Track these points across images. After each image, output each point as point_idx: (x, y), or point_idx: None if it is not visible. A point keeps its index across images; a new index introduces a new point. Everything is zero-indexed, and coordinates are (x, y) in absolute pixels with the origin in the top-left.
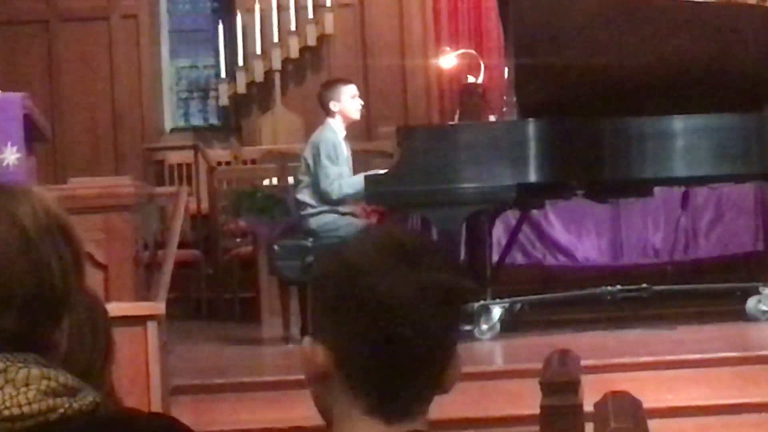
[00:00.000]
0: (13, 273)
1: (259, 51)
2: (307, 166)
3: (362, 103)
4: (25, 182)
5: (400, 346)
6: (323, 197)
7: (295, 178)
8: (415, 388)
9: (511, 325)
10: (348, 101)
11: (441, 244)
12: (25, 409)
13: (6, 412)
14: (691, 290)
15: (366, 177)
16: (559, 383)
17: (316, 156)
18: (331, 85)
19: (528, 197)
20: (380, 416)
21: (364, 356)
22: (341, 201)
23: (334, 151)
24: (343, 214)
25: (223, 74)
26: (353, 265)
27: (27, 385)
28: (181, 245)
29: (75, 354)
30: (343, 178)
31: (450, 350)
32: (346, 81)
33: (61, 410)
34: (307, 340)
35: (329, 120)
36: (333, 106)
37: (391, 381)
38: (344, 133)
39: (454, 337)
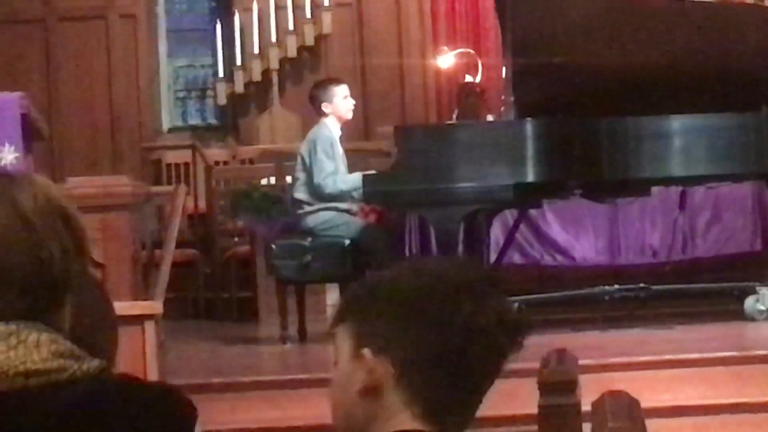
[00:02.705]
0: (12, 254)
1: (256, 50)
2: (304, 163)
3: (354, 102)
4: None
5: (470, 365)
6: (317, 191)
7: (292, 177)
8: (471, 406)
9: None
10: (340, 102)
11: (439, 243)
12: (39, 365)
13: (21, 368)
14: (689, 290)
15: (364, 176)
16: (557, 383)
17: (313, 152)
18: (322, 86)
19: (526, 197)
20: (433, 422)
21: (432, 371)
22: (334, 197)
23: (331, 148)
24: (341, 211)
25: (220, 74)
26: (436, 285)
27: (38, 346)
28: (179, 245)
29: (80, 338)
30: (339, 174)
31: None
32: (338, 81)
33: (71, 371)
34: (367, 351)
35: (324, 119)
36: (325, 107)
37: (462, 405)
38: (340, 132)
39: (504, 364)
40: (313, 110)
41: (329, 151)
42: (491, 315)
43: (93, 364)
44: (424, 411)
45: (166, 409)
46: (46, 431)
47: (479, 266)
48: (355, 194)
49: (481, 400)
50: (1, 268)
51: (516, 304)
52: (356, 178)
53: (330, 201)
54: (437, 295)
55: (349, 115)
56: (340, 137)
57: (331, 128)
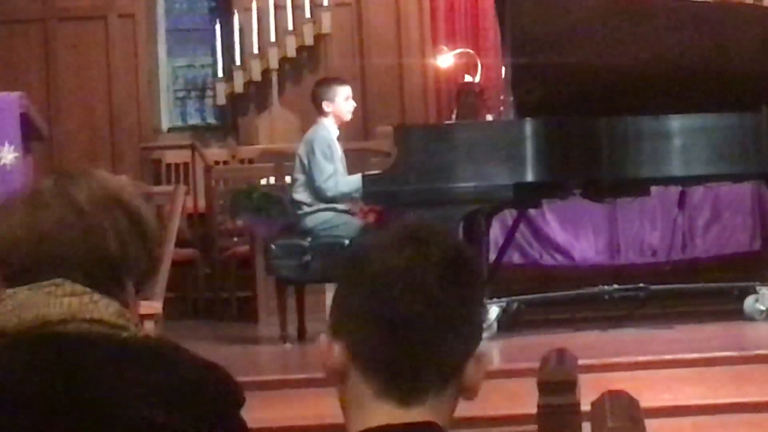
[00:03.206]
0: (67, 243)
1: (256, 50)
2: (302, 164)
3: (355, 105)
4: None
5: (402, 321)
6: (318, 194)
7: (291, 178)
8: (424, 370)
9: (508, 325)
10: (341, 102)
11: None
12: (107, 317)
13: (97, 315)
14: (689, 290)
15: (363, 176)
16: (557, 383)
17: (311, 154)
18: (325, 84)
19: (525, 196)
20: (390, 398)
21: (371, 338)
22: (336, 199)
23: (329, 149)
24: (340, 212)
25: (220, 73)
26: (357, 251)
27: (107, 307)
28: (178, 244)
29: None
30: (339, 175)
31: (465, 337)
32: (342, 82)
33: (133, 332)
34: (323, 337)
35: (322, 119)
36: (326, 106)
37: (397, 360)
38: (337, 132)
39: (467, 319)
40: (314, 107)
41: (327, 153)
42: (404, 260)
43: (149, 333)
44: (380, 383)
45: (215, 386)
46: (102, 370)
47: (415, 221)
48: (356, 195)
49: (445, 371)
50: (61, 255)
51: (516, 304)
52: (357, 179)
53: (331, 203)
54: (355, 259)
55: (348, 117)
56: (338, 137)
57: (328, 129)
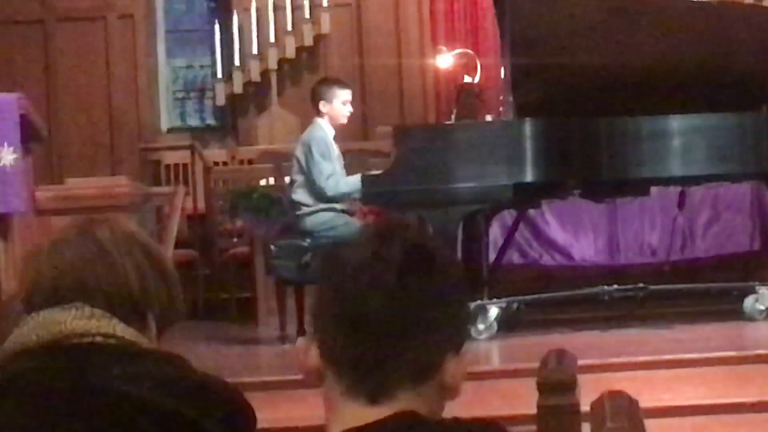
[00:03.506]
0: (91, 277)
1: (255, 51)
2: (300, 165)
3: (351, 110)
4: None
5: (363, 318)
6: (318, 194)
7: (290, 179)
8: (390, 368)
9: (508, 325)
10: (338, 106)
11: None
12: (124, 334)
13: (111, 332)
14: (688, 290)
15: (363, 176)
16: (556, 383)
17: (308, 154)
18: (327, 84)
19: (525, 197)
20: (357, 396)
21: (337, 337)
22: (336, 198)
23: (327, 148)
24: (340, 212)
25: (219, 74)
26: (331, 252)
27: (125, 330)
28: (178, 245)
29: None
30: (338, 175)
31: (439, 336)
32: (343, 85)
33: (144, 345)
34: (300, 340)
35: (318, 119)
36: (322, 106)
37: (361, 358)
38: (333, 132)
39: (437, 317)
40: (311, 105)
41: (325, 153)
42: (368, 256)
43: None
44: (348, 382)
45: (231, 405)
46: (113, 366)
47: (392, 219)
48: (356, 195)
49: (415, 366)
50: (83, 287)
51: (515, 304)
52: (357, 180)
53: (331, 203)
54: (328, 260)
55: (344, 121)
56: (335, 137)
57: (324, 128)
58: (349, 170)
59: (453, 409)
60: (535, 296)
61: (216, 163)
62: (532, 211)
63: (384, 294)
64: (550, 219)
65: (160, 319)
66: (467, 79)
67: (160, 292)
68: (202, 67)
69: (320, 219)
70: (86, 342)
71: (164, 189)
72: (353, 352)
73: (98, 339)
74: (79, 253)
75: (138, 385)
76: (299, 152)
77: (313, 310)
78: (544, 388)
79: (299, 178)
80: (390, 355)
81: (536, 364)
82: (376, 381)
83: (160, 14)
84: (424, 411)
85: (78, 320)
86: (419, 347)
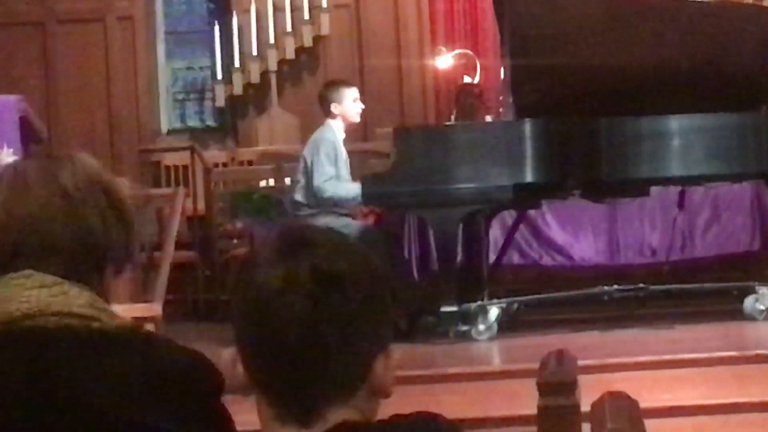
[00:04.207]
0: (54, 226)
1: (255, 52)
2: (306, 165)
3: (363, 107)
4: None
5: (279, 349)
6: (315, 194)
7: (291, 179)
8: (316, 393)
9: (508, 326)
10: (350, 104)
11: (438, 244)
12: (76, 309)
13: (65, 308)
14: (688, 290)
15: (363, 178)
16: (556, 383)
17: (315, 154)
18: (333, 86)
19: (524, 197)
20: (289, 422)
21: (256, 363)
22: (331, 201)
23: (334, 151)
24: (340, 215)
25: (219, 75)
26: (242, 264)
27: (78, 297)
28: (178, 247)
29: None
30: (340, 179)
31: (361, 347)
32: (349, 83)
33: (104, 322)
34: (225, 353)
35: (330, 121)
36: (334, 108)
37: (284, 388)
38: (344, 135)
39: (357, 331)
40: (321, 110)
41: (331, 155)
42: (277, 274)
43: (124, 321)
44: (276, 409)
45: (192, 374)
46: (73, 364)
47: (300, 228)
48: (352, 202)
49: (338, 383)
50: (45, 238)
51: (515, 305)
52: (356, 188)
53: (326, 204)
54: (240, 274)
55: (357, 119)
56: (343, 140)
57: (334, 131)
58: (352, 172)
59: (454, 410)
60: (535, 297)
61: (216, 165)
62: (532, 212)
63: (298, 323)
64: (550, 219)
65: (117, 264)
66: (467, 79)
67: (120, 237)
68: (201, 68)
69: (320, 221)
70: (38, 330)
71: (164, 190)
72: (276, 380)
73: (51, 320)
74: (42, 203)
75: (101, 389)
76: (307, 152)
77: (232, 325)
78: (544, 388)
79: (302, 180)
80: (314, 379)
81: (536, 365)
82: (304, 405)
83: (159, 16)
84: (357, 414)
85: (27, 295)
86: (342, 366)
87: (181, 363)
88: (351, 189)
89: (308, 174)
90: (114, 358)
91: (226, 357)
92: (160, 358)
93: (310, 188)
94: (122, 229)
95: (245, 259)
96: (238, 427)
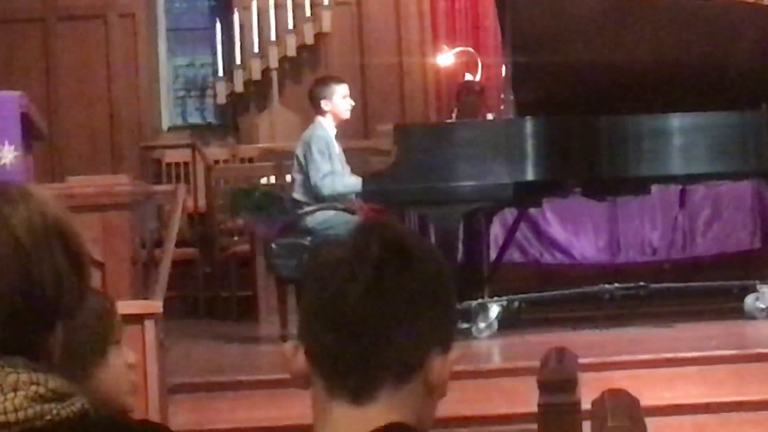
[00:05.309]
0: (1, 282)
1: (256, 49)
2: (300, 164)
3: (353, 103)
4: (23, 181)
5: (341, 315)
6: (314, 192)
7: (291, 177)
8: (372, 365)
9: (508, 324)
10: (339, 101)
11: (439, 242)
12: (11, 416)
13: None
14: (689, 288)
15: (364, 177)
16: (557, 381)
17: (308, 152)
18: (323, 82)
19: (525, 195)
20: (341, 397)
21: (318, 336)
22: (331, 197)
23: (327, 148)
24: (341, 211)
25: (220, 72)
26: (314, 251)
27: (15, 390)
28: (179, 243)
29: (72, 356)
30: (336, 174)
31: (420, 333)
32: (339, 80)
33: (48, 417)
34: (288, 344)
35: (319, 118)
36: (324, 104)
37: (342, 356)
38: (335, 131)
39: (419, 314)
40: (311, 107)
41: (325, 151)
42: (341, 253)
43: (74, 407)
44: (331, 382)
45: None
46: None
47: (369, 218)
48: (351, 196)
49: (396, 368)
50: None
51: (516, 303)
52: (354, 181)
53: (327, 201)
54: (309, 257)
55: (347, 115)
56: (336, 135)
57: (325, 127)
58: (351, 169)
59: (455, 408)
60: (536, 295)
61: (217, 162)
62: (532, 210)
63: (361, 289)
64: (551, 217)
65: (69, 315)
66: (468, 77)
67: (73, 291)
68: (203, 65)
69: (321, 218)
70: None
71: (165, 187)
72: (334, 350)
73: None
74: None
75: None
76: (299, 151)
77: (299, 311)
78: (544, 386)
79: (298, 178)
80: (370, 352)
81: (537, 363)
82: (358, 378)
83: (160, 12)
84: (410, 412)
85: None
86: (400, 344)
87: None
88: (349, 183)
89: (304, 172)
90: None
91: (287, 347)
92: None
93: (307, 186)
94: (75, 276)
95: (316, 247)
96: (233, 425)
